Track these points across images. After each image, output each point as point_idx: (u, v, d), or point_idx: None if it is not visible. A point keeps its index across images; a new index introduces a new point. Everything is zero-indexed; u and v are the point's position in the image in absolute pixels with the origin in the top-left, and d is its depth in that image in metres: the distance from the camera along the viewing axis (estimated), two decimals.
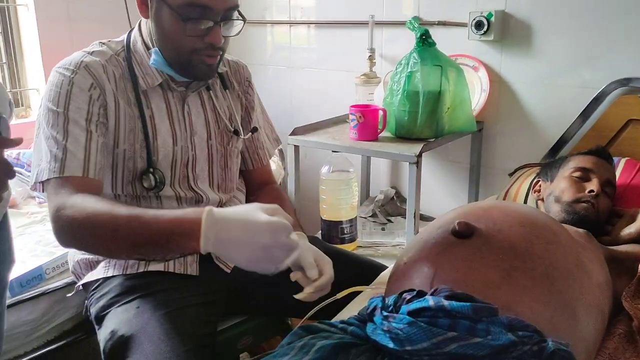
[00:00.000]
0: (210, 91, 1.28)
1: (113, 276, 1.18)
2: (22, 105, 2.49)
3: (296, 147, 1.83)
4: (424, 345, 0.66)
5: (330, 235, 1.86)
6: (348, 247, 1.83)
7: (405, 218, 1.81)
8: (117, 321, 1.09)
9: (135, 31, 1.21)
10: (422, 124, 1.69)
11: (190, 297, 1.15)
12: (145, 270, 1.17)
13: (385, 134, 1.77)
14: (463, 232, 0.85)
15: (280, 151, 2.16)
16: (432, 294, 0.72)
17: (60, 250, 1.57)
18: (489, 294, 0.76)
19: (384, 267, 1.36)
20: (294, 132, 1.83)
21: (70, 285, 1.42)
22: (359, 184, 2.13)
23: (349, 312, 1.05)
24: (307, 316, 0.96)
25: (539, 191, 1.43)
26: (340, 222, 1.86)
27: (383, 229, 2.05)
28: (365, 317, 0.77)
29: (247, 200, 1.40)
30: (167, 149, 1.20)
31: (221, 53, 1.17)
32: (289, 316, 1.38)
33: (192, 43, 1.11)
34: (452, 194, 2.09)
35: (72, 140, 1.08)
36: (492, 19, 1.80)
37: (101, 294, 1.17)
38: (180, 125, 1.22)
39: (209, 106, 1.28)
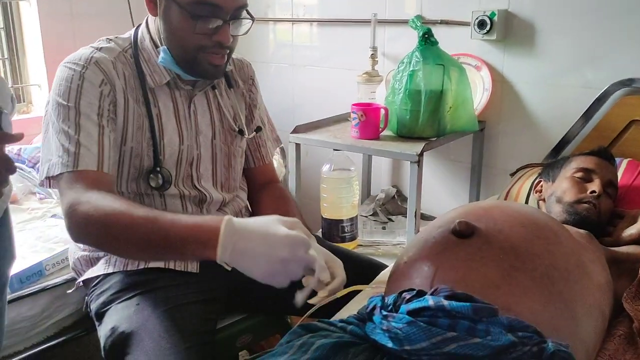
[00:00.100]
0: (216, 90, 1.28)
1: (113, 273, 1.18)
2: (24, 101, 2.49)
3: (297, 145, 1.83)
4: (423, 345, 0.66)
5: (331, 234, 1.86)
6: (348, 246, 1.83)
7: (406, 217, 1.81)
8: (118, 318, 1.09)
9: (143, 28, 1.20)
10: (423, 123, 1.69)
11: (190, 294, 1.15)
12: (146, 267, 1.17)
13: (386, 132, 1.77)
14: (463, 232, 0.85)
15: (282, 149, 2.16)
16: (432, 294, 0.72)
17: (60, 246, 1.57)
18: (489, 294, 0.76)
19: (384, 266, 1.35)
20: (296, 130, 1.83)
21: (70, 281, 1.43)
22: (360, 182, 2.13)
23: (349, 311, 1.05)
24: (306, 315, 0.96)
25: (540, 191, 1.43)
26: (341, 221, 1.86)
27: (384, 228, 2.04)
28: (365, 316, 0.77)
29: (250, 199, 1.40)
30: (174, 148, 1.20)
31: (229, 52, 1.16)
32: (288, 314, 1.38)
33: (200, 41, 1.10)
34: (453, 193, 2.08)
35: (85, 135, 1.08)
36: (495, 18, 1.79)
37: (101, 290, 1.17)
38: (186, 125, 1.22)
39: (214, 105, 1.27)
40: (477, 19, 1.82)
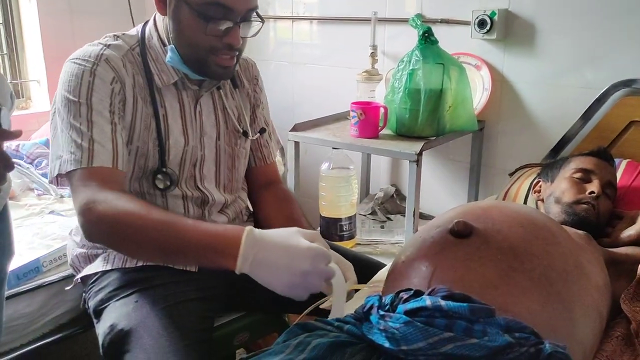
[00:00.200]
0: (221, 90, 1.27)
1: (112, 270, 1.18)
2: (23, 97, 2.49)
3: (296, 144, 1.83)
4: (420, 345, 0.66)
5: (329, 232, 1.86)
6: (347, 245, 1.83)
7: (404, 216, 1.81)
8: (116, 315, 1.09)
9: (151, 26, 1.19)
10: (423, 122, 1.69)
11: (188, 291, 1.14)
12: (144, 264, 1.17)
13: (385, 131, 1.77)
14: (462, 232, 0.85)
15: (281, 147, 2.16)
16: (429, 294, 0.71)
17: (57, 243, 1.57)
18: (487, 294, 0.76)
19: (382, 265, 1.35)
20: (295, 128, 1.83)
21: (67, 278, 1.42)
22: (358, 181, 2.13)
23: (346, 310, 1.05)
24: (303, 313, 0.96)
25: (539, 192, 1.43)
26: (340, 219, 1.86)
27: (382, 227, 2.04)
28: (362, 316, 0.76)
29: (250, 199, 1.39)
30: (179, 149, 1.19)
31: (238, 53, 1.15)
32: (286, 313, 1.38)
33: (210, 42, 1.09)
34: (452, 192, 2.08)
35: (98, 131, 1.07)
36: (496, 17, 1.79)
37: (100, 287, 1.17)
38: (192, 125, 1.21)
39: (220, 106, 1.26)
40: (477, 18, 1.82)
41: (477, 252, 0.82)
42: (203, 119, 1.23)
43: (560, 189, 1.30)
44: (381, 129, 1.75)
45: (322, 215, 1.89)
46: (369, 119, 1.72)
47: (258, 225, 1.34)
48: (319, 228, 1.91)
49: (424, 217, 2.02)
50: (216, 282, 1.20)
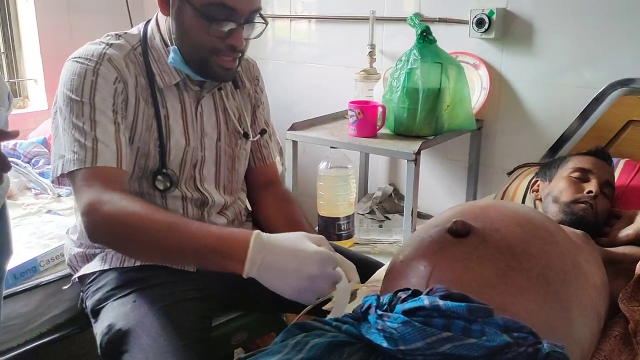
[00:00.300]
0: (222, 91, 1.26)
1: (109, 269, 1.17)
2: (20, 96, 2.49)
3: (294, 143, 1.83)
4: (418, 345, 0.66)
5: (327, 232, 1.86)
6: (345, 244, 1.83)
7: (402, 215, 1.81)
8: (114, 315, 1.08)
9: (153, 26, 1.18)
10: (421, 121, 1.69)
11: (187, 291, 1.14)
12: (142, 264, 1.16)
13: (384, 130, 1.77)
14: (460, 231, 0.85)
15: (279, 147, 2.16)
16: (427, 294, 0.71)
17: (55, 242, 1.56)
18: (485, 293, 0.76)
19: (380, 265, 1.35)
20: (293, 128, 1.83)
21: (64, 278, 1.42)
22: (357, 180, 2.13)
23: (345, 311, 1.05)
24: (302, 313, 0.96)
25: (537, 191, 1.42)
26: (338, 219, 1.85)
27: (380, 226, 2.04)
28: (360, 316, 0.76)
29: (250, 199, 1.38)
30: (179, 150, 1.18)
31: (240, 55, 1.15)
32: (284, 312, 1.38)
33: (213, 44, 1.08)
34: (450, 192, 2.08)
35: (102, 131, 1.06)
36: (494, 16, 1.79)
37: (97, 287, 1.16)
38: (193, 126, 1.20)
39: (220, 107, 1.26)
40: (475, 17, 1.82)
41: (475, 251, 0.82)
42: (204, 119, 1.22)
43: (558, 188, 1.30)
44: (379, 128, 1.75)
45: (320, 214, 1.88)
46: (367, 118, 1.72)
47: (257, 225, 1.33)
48: (317, 227, 1.91)
49: (422, 216, 2.02)
50: (214, 282, 1.20)
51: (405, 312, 0.69)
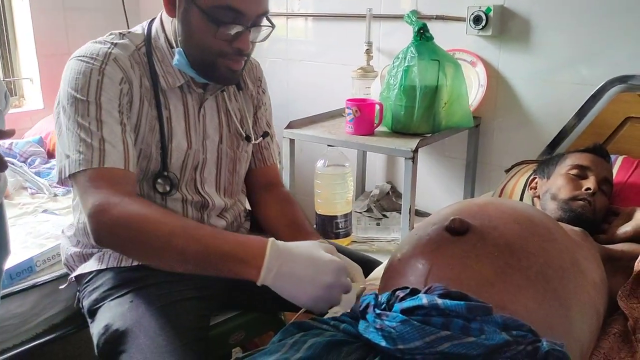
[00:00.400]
0: (224, 93, 1.25)
1: (106, 269, 1.16)
2: (16, 95, 2.48)
3: (292, 141, 1.82)
4: (416, 344, 0.65)
5: (325, 230, 1.85)
6: (342, 242, 1.82)
7: (400, 213, 1.80)
8: (111, 315, 1.08)
9: (157, 26, 1.16)
10: (418, 118, 1.68)
11: (184, 291, 1.13)
12: (139, 263, 1.15)
13: (381, 128, 1.76)
14: (458, 229, 0.84)
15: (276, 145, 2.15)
16: (425, 292, 0.71)
17: (51, 242, 1.56)
18: (484, 291, 0.75)
19: (378, 263, 1.35)
20: (290, 126, 1.82)
21: (60, 277, 1.41)
22: (354, 178, 2.12)
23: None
24: (300, 312, 0.95)
25: (535, 188, 1.42)
26: (335, 217, 1.85)
27: (378, 224, 2.04)
28: (358, 315, 0.76)
29: (250, 200, 1.37)
30: (181, 152, 1.17)
31: (246, 58, 1.14)
32: (282, 311, 1.37)
33: (219, 47, 1.07)
34: (448, 189, 2.08)
35: (108, 131, 1.04)
36: (491, 13, 1.79)
37: (94, 287, 1.16)
38: (195, 129, 1.19)
39: (223, 109, 1.25)
40: (472, 14, 1.82)
41: (473, 249, 0.82)
42: (206, 122, 1.21)
43: (557, 185, 1.30)
44: (376, 126, 1.74)
45: (318, 212, 1.88)
46: (364, 116, 1.71)
47: (257, 226, 1.33)
48: (314, 226, 1.91)
49: (419, 214, 2.02)
50: (211, 281, 1.19)
51: (403, 311, 0.69)
